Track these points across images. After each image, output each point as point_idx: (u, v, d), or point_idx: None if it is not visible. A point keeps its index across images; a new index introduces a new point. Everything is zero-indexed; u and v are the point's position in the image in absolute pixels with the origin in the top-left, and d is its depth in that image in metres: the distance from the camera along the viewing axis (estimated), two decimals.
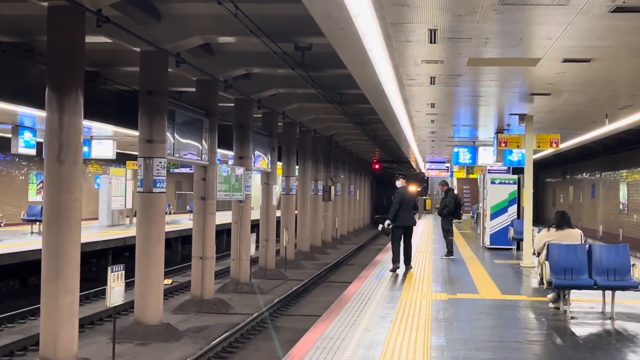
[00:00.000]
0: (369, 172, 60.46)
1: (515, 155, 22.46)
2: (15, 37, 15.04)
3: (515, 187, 22.28)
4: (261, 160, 24.29)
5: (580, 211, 39.19)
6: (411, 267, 16.63)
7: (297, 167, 31.56)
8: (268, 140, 25.01)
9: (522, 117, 18.07)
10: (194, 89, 18.91)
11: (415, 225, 17.03)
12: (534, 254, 13.76)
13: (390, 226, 16.17)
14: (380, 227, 16.62)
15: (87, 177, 35.90)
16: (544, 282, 10.96)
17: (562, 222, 11.77)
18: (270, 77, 20.93)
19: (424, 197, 60.27)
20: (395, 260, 16.20)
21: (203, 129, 17.84)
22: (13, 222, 28.28)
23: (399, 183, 16.59)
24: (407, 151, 36.96)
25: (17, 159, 30.75)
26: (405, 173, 17.90)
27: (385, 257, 19.69)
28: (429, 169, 39.45)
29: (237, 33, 14.28)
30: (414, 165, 52.69)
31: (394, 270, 16.06)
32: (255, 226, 24.30)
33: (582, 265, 10.92)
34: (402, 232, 16.29)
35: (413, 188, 17.23)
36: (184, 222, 33.29)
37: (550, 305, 11.68)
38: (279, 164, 28.68)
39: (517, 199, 22.16)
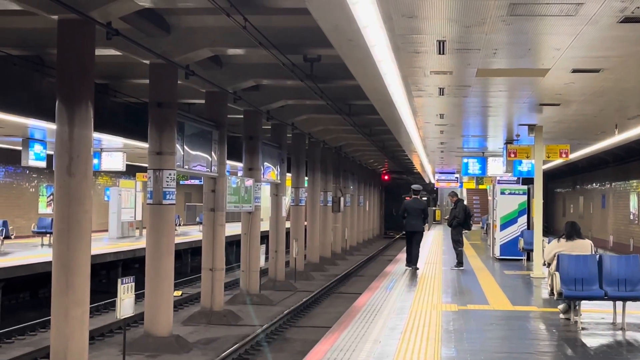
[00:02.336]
0: (378, 183, 60.45)
1: (524, 166, 22.43)
2: (26, 49, 15.13)
3: (525, 197, 22.24)
4: (270, 172, 24.32)
5: (591, 221, 39.05)
6: (417, 268, 19.03)
7: (306, 178, 31.59)
8: (277, 151, 25.04)
9: (532, 128, 18.05)
10: (203, 101, 18.96)
11: (421, 231, 19.18)
12: (544, 264, 13.71)
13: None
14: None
15: (97, 189, 35.99)
16: (555, 292, 10.92)
17: (572, 232, 11.75)
18: (279, 88, 20.97)
19: (434, 208, 60.27)
20: (407, 258, 19.27)
21: (212, 141, 17.89)
22: (23, 235, 28.36)
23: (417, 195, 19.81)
24: (416, 162, 36.95)
25: (27, 172, 30.83)
26: (417, 189, 19.96)
27: (394, 269, 19.70)
28: (438, 179, 39.43)
29: (246, 45, 14.33)
30: (423, 176, 52.68)
31: (407, 266, 19.17)
32: (264, 237, 24.32)
33: (592, 275, 10.88)
34: (411, 236, 18.98)
35: (418, 197, 19.97)
36: (194, 233, 33.34)
37: (561, 316, 11.65)
38: (288, 175, 28.71)
39: (527, 209, 22.12)
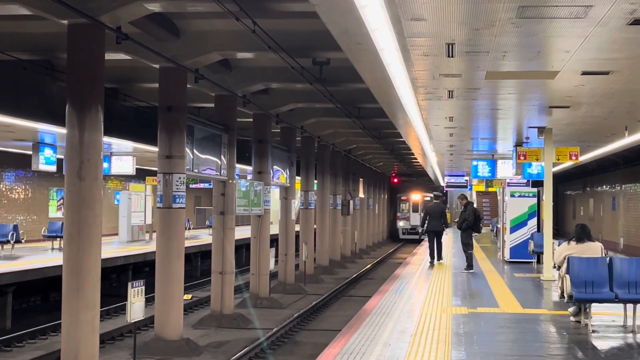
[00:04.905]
0: (387, 186, 60.37)
1: (534, 168, 22.37)
2: (36, 54, 15.19)
3: (534, 200, 22.19)
4: (280, 175, 24.34)
5: (601, 224, 38.94)
6: (441, 259, 21.87)
7: (315, 181, 31.59)
8: (287, 154, 25.06)
9: (541, 130, 18.03)
10: (212, 105, 19.00)
11: (441, 230, 21.61)
12: (554, 267, 13.70)
13: (422, 231, 22.58)
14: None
15: (107, 193, 36.07)
16: (565, 295, 10.91)
17: (583, 235, 11.74)
18: (288, 92, 21.00)
19: None
20: (431, 255, 21.69)
21: (222, 144, 17.92)
22: (34, 238, 28.45)
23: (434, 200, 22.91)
24: (425, 164, 36.92)
25: (37, 176, 30.95)
26: (437, 195, 22.14)
27: (404, 272, 19.70)
28: (447, 182, 39.38)
29: (255, 49, 14.36)
30: (432, 179, 52.65)
31: (430, 263, 21.49)
32: (274, 241, 24.33)
33: (603, 278, 10.86)
34: (433, 235, 21.51)
35: (438, 202, 22.36)
36: (204, 237, 33.39)
37: (571, 318, 11.62)
38: (298, 178, 28.72)
39: (536, 212, 22.07)
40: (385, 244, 55.65)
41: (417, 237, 50.66)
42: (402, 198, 59.14)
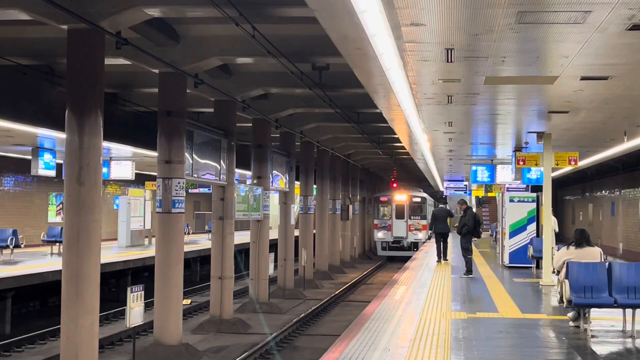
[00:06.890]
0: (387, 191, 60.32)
1: (533, 173, 22.38)
2: (36, 59, 15.20)
3: (534, 205, 22.19)
4: (279, 180, 24.34)
5: (600, 229, 38.94)
6: (447, 260, 23.64)
7: (315, 186, 31.59)
8: (286, 159, 25.07)
9: (540, 135, 18.03)
10: (212, 110, 19.01)
11: (447, 232, 23.67)
12: (553, 272, 13.69)
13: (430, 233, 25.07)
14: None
15: (106, 197, 36.04)
16: (564, 300, 10.91)
17: (582, 240, 11.73)
18: (287, 97, 21.01)
19: None
20: (437, 255, 23.70)
21: (221, 149, 17.93)
22: (33, 243, 28.44)
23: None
24: (425, 169, 36.92)
25: (36, 181, 30.94)
26: (445, 201, 24.01)
27: (403, 276, 19.69)
28: (447, 187, 39.37)
29: (254, 54, 14.37)
30: (431, 183, 52.60)
31: (437, 261, 23.55)
32: (273, 246, 24.32)
33: (602, 283, 10.86)
34: (440, 237, 23.47)
35: (444, 207, 24.40)
36: (203, 242, 33.37)
37: (571, 323, 11.62)
38: (297, 183, 28.73)
39: (536, 217, 22.07)
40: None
41: (401, 253, 40.75)
42: (382, 199, 42.96)
